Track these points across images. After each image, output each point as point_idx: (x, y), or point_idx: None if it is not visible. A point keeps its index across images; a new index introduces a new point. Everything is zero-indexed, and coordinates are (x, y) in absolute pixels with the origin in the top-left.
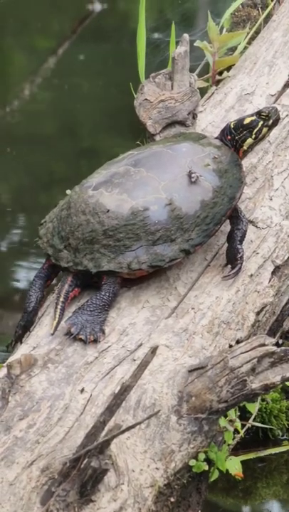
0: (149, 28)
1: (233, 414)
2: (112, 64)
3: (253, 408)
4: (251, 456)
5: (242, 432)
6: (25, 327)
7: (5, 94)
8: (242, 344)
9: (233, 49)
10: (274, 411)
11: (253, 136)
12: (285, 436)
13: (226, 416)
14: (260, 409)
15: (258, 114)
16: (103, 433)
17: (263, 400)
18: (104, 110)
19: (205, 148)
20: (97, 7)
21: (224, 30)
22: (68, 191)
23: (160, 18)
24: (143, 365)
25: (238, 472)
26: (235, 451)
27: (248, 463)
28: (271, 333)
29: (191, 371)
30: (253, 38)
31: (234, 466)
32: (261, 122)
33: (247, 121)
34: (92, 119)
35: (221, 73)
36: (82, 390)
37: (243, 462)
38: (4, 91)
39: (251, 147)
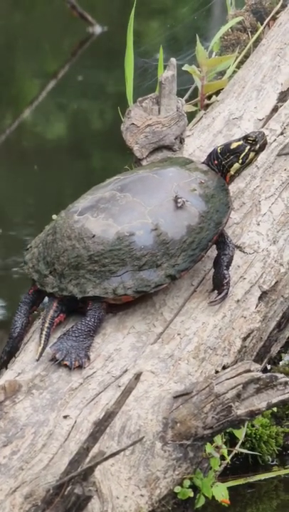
0: (137, 51)
1: (219, 440)
2: (112, 84)
3: (240, 434)
4: (240, 481)
5: (228, 459)
6: (11, 353)
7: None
8: (227, 370)
9: (222, 73)
10: (263, 436)
11: (240, 161)
12: (274, 462)
13: (212, 442)
14: (249, 435)
15: (245, 138)
16: (87, 460)
17: (252, 425)
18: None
19: (191, 173)
20: (97, 30)
21: (214, 54)
22: (54, 216)
23: (148, 42)
24: (127, 391)
25: (224, 499)
26: (225, 476)
27: (238, 489)
28: (258, 358)
29: (176, 397)
30: (242, 62)
31: (220, 492)
32: (248, 147)
33: (234, 145)
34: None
35: (209, 97)
36: (66, 417)
37: (232, 488)
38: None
39: (238, 172)
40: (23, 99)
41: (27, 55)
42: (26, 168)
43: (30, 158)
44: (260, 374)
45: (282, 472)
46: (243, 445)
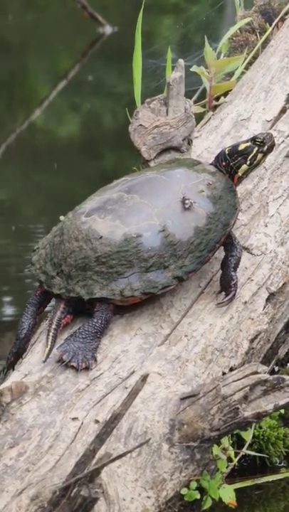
0: (146, 52)
1: (226, 442)
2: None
3: (248, 436)
4: (248, 483)
5: (235, 460)
6: (18, 354)
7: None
8: (234, 372)
9: (230, 74)
10: (271, 438)
11: (248, 163)
12: (282, 464)
13: (219, 444)
14: (257, 436)
15: (253, 140)
16: (93, 461)
17: (260, 427)
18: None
19: (199, 175)
20: (108, 30)
21: (222, 55)
22: (62, 217)
23: (158, 42)
24: (133, 393)
25: (231, 500)
26: (232, 478)
27: (245, 490)
28: (266, 360)
29: (183, 399)
30: (250, 63)
31: (228, 494)
32: (256, 148)
33: (242, 147)
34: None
35: (218, 99)
36: (74, 419)
37: (240, 490)
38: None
39: (246, 173)
40: (35, 99)
41: (39, 55)
42: (38, 166)
43: (41, 156)
44: (267, 376)
45: None
46: (250, 447)
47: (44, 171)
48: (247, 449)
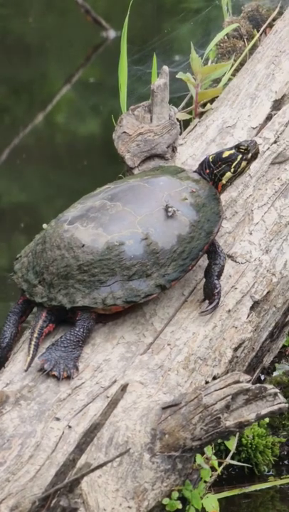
0: (131, 59)
1: (209, 451)
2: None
3: (232, 445)
4: (236, 492)
5: (219, 470)
6: (0, 363)
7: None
8: (216, 381)
9: (218, 81)
10: (259, 446)
11: (232, 170)
12: (270, 472)
13: (203, 453)
14: (245, 445)
15: (237, 147)
16: (73, 471)
17: (247, 436)
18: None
19: (183, 182)
20: (111, 34)
21: (210, 61)
22: (45, 225)
23: (144, 48)
24: (113, 402)
25: (214, 510)
26: (220, 487)
27: (233, 499)
28: (251, 369)
29: (164, 408)
30: (238, 70)
31: (211, 503)
32: (240, 156)
33: (226, 154)
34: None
35: (204, 105)
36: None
37: (228, 498)
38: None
39: (230, 181)
40: (51, 102)
41: (59, 58)
42: (58, 167)
43: (61, 157)
44: (249, 385)
45: (278, 482)
46: (238, 455)
47: (64, 172)
48: (234, 457)
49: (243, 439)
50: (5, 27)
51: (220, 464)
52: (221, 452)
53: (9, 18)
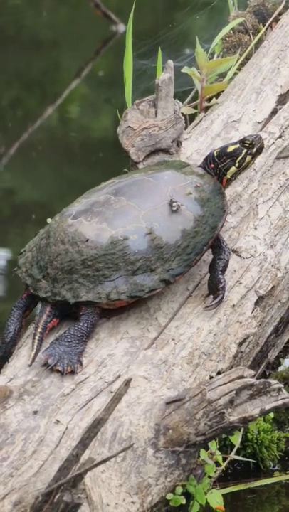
0: (137, 53)
1: (213, 446)
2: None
3: (236, 440)
4: (241, 487)
5: (223, 465)
6: (4, 358)
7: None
8: (220, 376)
9: (223, 75)
10: (265, 442)
11: (237, 165)
12: (276, 467)
13: (207, 448)
14: (250, 440)
15: (242, 142)
16: (77, 466)
17: (252, 430)
18: None
19: (187, 177)
20: (121, 28)
21: (215, 55)
22: (49, 220)
23: (149, 43)
24: (116, 398)
25: (219, 505)
26: (225, 482)
27: (239, 494)
28: (255, 364)
29: (168, 403)
30: (243, 64)
31: (215, 499)
32: (245, 150)
33: (230, 149)
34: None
35: (210, 100)
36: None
37: (233, 494)
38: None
39: (235, 176)
40: (69, 96)
41: (72, 52)
42: (71, 162)
43: (75, 152)
44: (253, 380)
45: (284, 477)
46: (244, 450)
47: (78, 167)
48: (240, 452)
49: (248, 434)
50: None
51: (224, 460)
52: (227, 447)
53: (23, 11)
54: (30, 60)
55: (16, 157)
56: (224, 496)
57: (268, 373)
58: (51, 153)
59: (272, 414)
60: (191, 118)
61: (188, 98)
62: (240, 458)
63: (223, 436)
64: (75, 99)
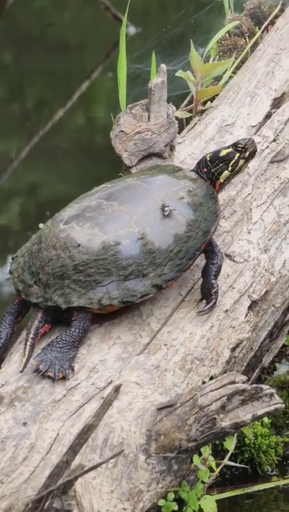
0: (131, 57)
1: (206, 452)
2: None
3: (230, 445)
4: (239, 492)
5: (217, 471)
6: None
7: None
8: (212, 382)
9: (219, 78)
10: (263, 446)
11: (230, 169)
12: (274, 472)
13: (200, 454)
14: (248, 445)
15: (235, 146)
16: (67, 473)
17: (251, 434)
18: None
19: (180, 181)
20: (131, 30)
21: (211, 59)
22: (41, 225)
23: (144, 46)
24: (106, 404)
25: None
26: (223, 487)
27: (236, 499)
28: (250, 369)
29: (160, 409)
30: (239, 68)
31: (208, 505)
32: (238, 154)
33: (223, 153)
34: None
35: (205, 103)
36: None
37: (230, 499)
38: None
39: (228, 180)
40: (93, 97)
41: (95, 53)
42: (95, 161)
43: (98, 151)
44: (245, 385)
45: (282, 482)
46: (242, 455)
47: (101, 166)
48: (237, 457)
49: (246, 439)
50: (43, 21)
51: (218, 465)
52: (224, 452)
53: (48, 12)
54: (54, 61)
55: (38, 157)
56: (222, 501)
57: (263, 378)
58: (75, 153)
59: (269, 419)
60: (187, 122)
61: (185, 102)
62: (233, 464)
63: (217, 441)
64: (87, 100)
